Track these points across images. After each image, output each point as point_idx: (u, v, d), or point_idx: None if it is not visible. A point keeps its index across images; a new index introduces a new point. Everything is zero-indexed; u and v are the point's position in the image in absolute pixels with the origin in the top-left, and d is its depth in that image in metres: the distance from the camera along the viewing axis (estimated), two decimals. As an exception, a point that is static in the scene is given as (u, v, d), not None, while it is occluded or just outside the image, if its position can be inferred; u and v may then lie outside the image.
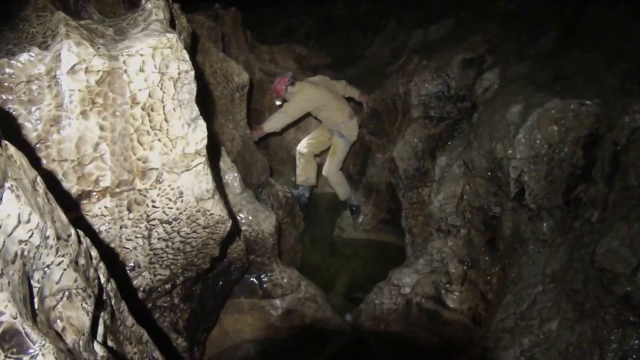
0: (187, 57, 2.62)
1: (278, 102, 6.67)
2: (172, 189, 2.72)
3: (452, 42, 5.65)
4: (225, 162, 4.39)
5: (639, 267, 3.12)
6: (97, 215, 2.66)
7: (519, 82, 4.22)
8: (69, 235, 1.64)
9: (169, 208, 2.77)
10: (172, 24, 3.13)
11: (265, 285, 4.67)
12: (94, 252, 1.81)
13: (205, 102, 4.68)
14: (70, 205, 2.57)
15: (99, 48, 2.48)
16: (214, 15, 6.46)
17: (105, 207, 2.68)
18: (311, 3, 9.79)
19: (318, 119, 6.83)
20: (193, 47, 4.41)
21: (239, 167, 4.75)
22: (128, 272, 2.91)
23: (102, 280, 1.87)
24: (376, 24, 8.48)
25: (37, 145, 2.42)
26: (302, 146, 6.72)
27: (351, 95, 6.76)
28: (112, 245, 2.79)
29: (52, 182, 2.42)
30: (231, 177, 4.40)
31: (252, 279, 4.65)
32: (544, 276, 3.76)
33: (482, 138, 4.10)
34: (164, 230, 2.87)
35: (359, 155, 6.90)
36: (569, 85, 3.95)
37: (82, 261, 1.67)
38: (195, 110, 2.72)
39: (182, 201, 2.79)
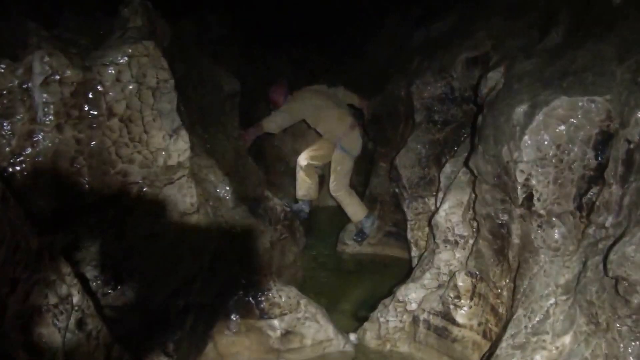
0: (165, 65, 2.70)
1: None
2: (155, 203, 2.80)
3: (455, 40, 5.69)
4: (216, 175, 4.46)
5: (655, 274, 3.13)
6: (75, 232, 2.74)
7: (525, 80, 4.23)
8: (40, 250, 1.72)
9: (151, 224, 2.85)
10: (152, 31, 3.23)
11: (262, 305, 4.70)
12: (67, 269, 1.89)
13: (193, 112, 4.76)
14: (47, 222, 2.65)
15: (72, 58, 2.57)
16: (202, 20, 6.56)
17: (84, 224, 2.76)
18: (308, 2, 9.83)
19: (318, 132, 6.86)
20: (177, 54, 4.50)
21: (232, 180, 4.81)
22: (111, 290, 2.98)
23: (77, 297, 1.94)
24: (376, 21, 8.54)
25: (11, 160, 2.51)
26: (302, 158, 6.74)
27: (351, 102, 6.82)
28: (93, 263, 2.86)
29: (27, 198, 2.50)
30: (223, 191, 4.47)
31: (247, 298, 4.68)
32: (557, 287, 3.77)
33: (487, 141, 4.13)
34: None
35: (362, 165, 6.95)
36: (577, 81, 3.92)
37: (52, 277, 1.75)
38: (177, 121, 2.81)
39: (165, 216, 2.87)
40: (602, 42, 4.27)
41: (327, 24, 9.21)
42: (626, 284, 3.22)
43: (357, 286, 6.26)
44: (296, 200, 6.90)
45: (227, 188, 4.47)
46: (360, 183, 7.10)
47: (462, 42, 5.54)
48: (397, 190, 5.98)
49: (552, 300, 3.77)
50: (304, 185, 6.77)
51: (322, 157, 6.84)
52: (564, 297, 3.73)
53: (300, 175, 6.78)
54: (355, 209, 6.62)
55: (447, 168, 5.06)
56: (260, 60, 7.78)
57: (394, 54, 7.37)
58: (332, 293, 6.04)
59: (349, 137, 6.51)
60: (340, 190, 6.57)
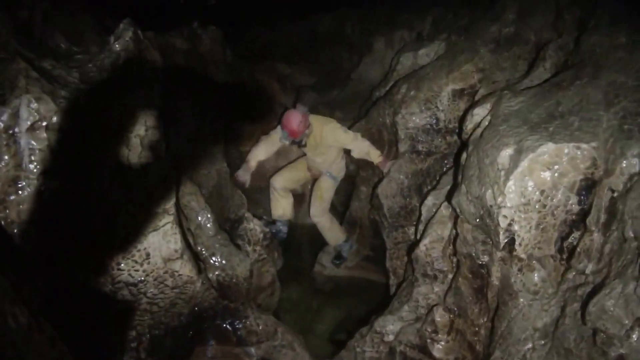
0: (154, 112, 2.67)
1: (286, 142, 6.13)
2: (139, 250, 2.77)
3: (442, 70, 5.70)
4: (198, 202, 4.42)
5: (633, 329, 3.15)
6: (57, 277, 2.70)
7: (511, 120, 4.23)
8: (30, 326, 1.68)
9: (135, 270, 2.82)
10: (142, 67, 3.18)
11: (239, 332, 4.69)
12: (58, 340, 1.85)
13: (182, 137, 4.72)
14: (29, 263, 2.60)
15: (60, 102, 2.52)
16: (192, 35, 6.48)
17: (67, 268, 2.71)
18: (296, 18, 9.81)
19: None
20: (169, 80, 4.44)
21: (214, 203, 4.79)
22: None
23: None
24: (364, 42, 8.52)
25: (-6, 207, 2.46)
26: (276, 180, 6.64)
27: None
28: (76, 308, 2.83)
29: (10, 246, 2.46)
30: (204, 218, 4.43)
31: (225, 325, 4.66)
32: (535, 331, 3.79)
33: (471, 182, 4.13)
34: (130, 293, 2.91)
35: (342, 184, 6.93)
36: (564, 126, 3.93)
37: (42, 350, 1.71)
38: (165, 167, 2.78)
39: (149, 263, 2.83)
40: (590, 84, 4.26)
41: (316, 43, 9.20)
42: (604, 336, 3.25)
43: (333, 309, 6.25)
44: (273, 221, 6.83)
45: (208, 216, 4.42)
46: (340, 202, 7.08)
47: (448, 72, 5.54)
48: (377, 218, 5.98)
49: (529, 345, 3.79)
50: (279, 206, 6.67)
51: (297, 181, 6.82)
52: (541, 342, 3.75)
53: (275, 196, 6.66)
54: (334, 235, 6.59)
55: (429, 200, 5.05)
56: (248, 77, 7.70)
57: (380, 77, 7.37)
58: (308, 315, 6.04)
59: (339, 165, 6.49)
60: (322, 215, 6.50)
